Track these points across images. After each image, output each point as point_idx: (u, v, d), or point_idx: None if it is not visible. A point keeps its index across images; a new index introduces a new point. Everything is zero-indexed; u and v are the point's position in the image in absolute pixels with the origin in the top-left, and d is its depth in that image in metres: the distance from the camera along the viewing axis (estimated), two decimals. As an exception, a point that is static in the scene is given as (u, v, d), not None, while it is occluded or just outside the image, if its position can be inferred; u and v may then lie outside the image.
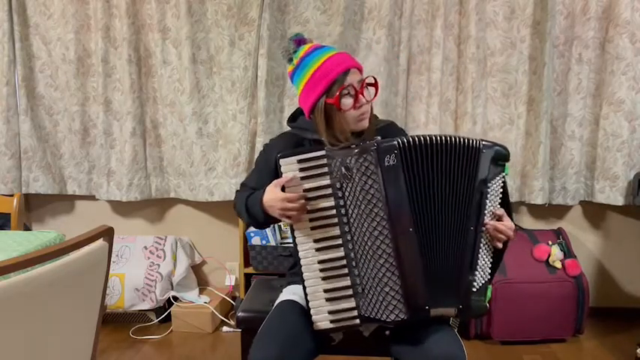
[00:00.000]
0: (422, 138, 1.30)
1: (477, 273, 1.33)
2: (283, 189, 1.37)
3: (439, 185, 1.31)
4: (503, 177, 1.36)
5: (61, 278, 1.10)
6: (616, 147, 2.61)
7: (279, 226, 2.75)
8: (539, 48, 2.60)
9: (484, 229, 1.33)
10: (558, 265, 2.51)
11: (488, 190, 1.33)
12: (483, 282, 1.35)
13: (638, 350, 2.38)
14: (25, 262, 1.04)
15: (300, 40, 1.53)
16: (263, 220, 1.45)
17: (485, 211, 1.33)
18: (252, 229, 2.71)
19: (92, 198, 2.98)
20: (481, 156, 1.32)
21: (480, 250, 1.34)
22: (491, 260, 1.37)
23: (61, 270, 1.10)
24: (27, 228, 2.97)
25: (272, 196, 1.37)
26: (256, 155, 2.71)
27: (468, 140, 1.32)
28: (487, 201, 1.33)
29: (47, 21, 2.80)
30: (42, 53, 2.82)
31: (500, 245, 1.36)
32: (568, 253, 2.57)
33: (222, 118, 2.80)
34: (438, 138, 1.30)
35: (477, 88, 2.66)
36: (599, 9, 2.59)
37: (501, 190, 1.36)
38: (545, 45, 2.57)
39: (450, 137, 1.31)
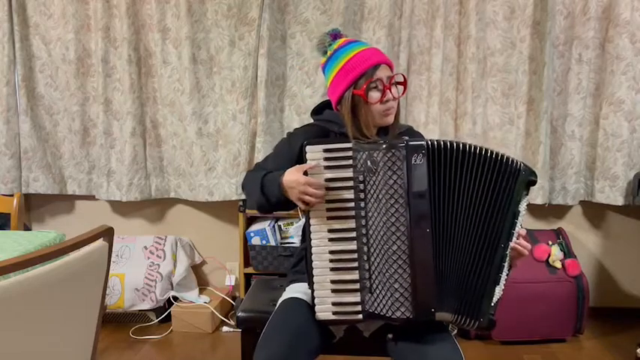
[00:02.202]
0: (453, 143, 1.31)
1: (497, 288, 1.35)
2: (305, 174, 1.36)
3: (467, 193, 1.32)
4: (527, 200, 1.39)
5: (61, 278, 1.10)
6: (616, 147, 2.61)
7: (279, 226, 2.75)
8: (539, 48, 2.60)
9: (511, 247, 1.35)
10: (558, 265, 2.51)
11: (520, 211, 1.35)
12: (499, 297, 1.36)
13: (638, 350, 2.38)
14: (25, 262, 1.04)
15: (336, 35, 1.55)
16: (276, 199, 1.42)
17: (514, 231, 1.35)
18: (252, 228, 2.71)
19: (92, 198, 2.98)
20: (519, 177, 1.33)
21: (505, 266, 1.35)
22: (506, 277, 1.38)
23: (61, 270, 1.10)
24: (27, 228, 2.97)
25: (294, 177, 1.35)
26: (256, 155, 2.72)
27: (509, 158, 1.33)
28: (517, 221, 1.35)
29: (47, 21, 2.80)
30: (42, 53, 2.83)
31: (517, 264, 1.39)
32: (568, 253, 2.57)
33: (222, 118, 2.80)
34: (472, 147, 1.32)
35: (476, 88, 2.66)
36: (599, 9, 2.59)
37: (524, 212, 1.39)
38: (545, 45, 2.57)
39: (487, 149, 1.32)
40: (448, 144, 1.31)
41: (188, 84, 2.73)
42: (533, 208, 2.87)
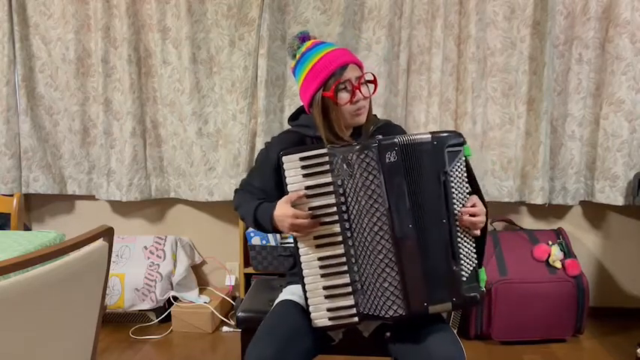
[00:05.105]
0: (418, 136, 1.32)
1: (462, 262, 1.34)
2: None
3: (423, 182, 1.32)
4: (464, 159, 1.36)
5: (61, 278, 1.10)
6: (616, 147, 2.61)
7: (279, 226, 2.75)
8: (539, 48, 2.60)
9: (457, 219, 1.33)
10: (558, 265, 2.51)
11: (451, 177, 1.34)
12: (472, 269, 1.35)
13: (638, 350, 2.38)
14: (25, 262, 1.04)
15: (304, 37, 1.56)
16: (270, 231, 1.48)
17: (454, 200, 1.33)
18: (252, 228, 2.71)
19: (92, 198, 2.98)
20: (435, 149, 1.33)
21: (459, 240, 1.34)
22: (474, 245, 1.37)
23: (61, 270, 1.10)
24: (27, 228, 2.97)
25: (283, 211, 1.39)
26: (256, 155, 2.72)
27: (421, 136, 1.33)
28: (453, 190, 1.33)
29: (47, 21, 2.80)
30: (42, 53, 2.83)
31: (478, 233, 1.36)
32: (568, 253, 2.57)
33: (222, 118, 2.80)
34: (417, 137, 1.33)
35: (476, 87, 2.66)
36: (599, 9, 2.58)
37: (465, 173, 1.36)
38: (545, 45, 2.57)
39: (415, 135, 1.34)
40: (416, 138, 1.32)
41: (188, 84, 2.73)
42: (533, 208, 2.87)
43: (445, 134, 1.35)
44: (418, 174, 1.32)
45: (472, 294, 1.33)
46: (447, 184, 1.33)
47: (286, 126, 2.79)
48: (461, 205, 1.34)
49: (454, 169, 1.34)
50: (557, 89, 2.67)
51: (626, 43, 2.55)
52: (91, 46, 2.80)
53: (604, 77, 2.63)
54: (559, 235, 2.65)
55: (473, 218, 1.33)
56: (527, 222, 2.88)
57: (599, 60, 2.63)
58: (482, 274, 1.36)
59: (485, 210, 1.37)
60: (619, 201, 2.63)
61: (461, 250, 1.34)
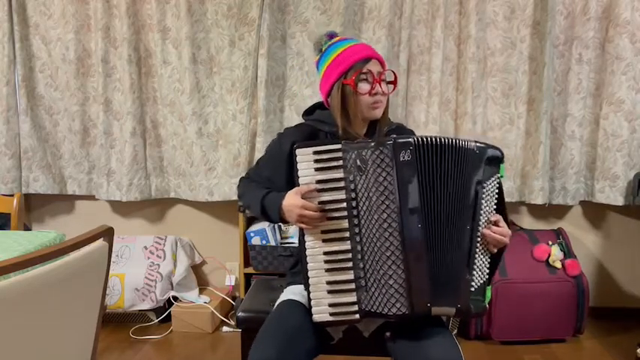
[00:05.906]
0: (434, 138, 1.33)
1: (474, 273, 1.34)
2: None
3: (443, 185, 1.33)
4: (498, 178, 1.38)
5: (61, 278, 1.10)
6: (616, 147, 2.61)
7: (280, 226, 2.75)
8: (539, 48, 2.60)
9: (480, 230, 1.35)
10: (558, 265, 2.51)
11: (484, 190, 1.35)
12: (481, 282, 1.36)
13: (638, 350, 2.38)
14: (25, 262, 1.04)
15: (332, 35, 1.60)
16: (277, 220, 1.48)
17: (481, 211, 1.35)
18: (252, 228, 2.71)
19: (92, 198, 2.98)
20: (475, 157, 1.34)
21: (477, 250, 1.35)
22: (488, 260, 1.38)
23: (61, 270, 1.10)
24: (27, 228, 2.97)
25: (292, 201, 1.39)
26: (256, 155, 2.72)
27: (464, 142, 1.35)
28: (483, 201, 1.35)
29: (47, 21, 2.80)
30: (42, 53, 2.83)
31: (494, 250, 1.38)
32: (568, 253, 2.57)
33: (222, 118, 2.80)
34: (446, 139, 1.33)
35: (476, 88, 2.66)
36: (599, 9, 2.59)
37: (497, 191, 1.38)
38: (545, 45, 2.57)
39: (452, 139, 1.34)
40: (433, 139, 1.32)
41: (188, 84, 2.73)
42: (533, 208, 2.87)
43: (484, 145, 1.36)
44: (439, 176, 1.32)
45: (477, 306, 1.34)
46: (479, 194, 1.34)
47: (286, 126, 2.81)
48: (486, 219, 1.35)
49: (488, 183, 1.35)
50: (557, 89, 2.67)
51: (626, 43, 2.55)
52: (91, 46, 2.80)
53: (604, 77, 2.63)
54: (559, 235, 2.65)
55: (498, 236, 1.35)
56: (527, 222, 2.88)
57: (599, 60, 2.64)
58: (489, 292, 1.37)
59: (510, 233, 1.38)
60: (619, 201, 2.63)
61: (476, 262, 1.34)
